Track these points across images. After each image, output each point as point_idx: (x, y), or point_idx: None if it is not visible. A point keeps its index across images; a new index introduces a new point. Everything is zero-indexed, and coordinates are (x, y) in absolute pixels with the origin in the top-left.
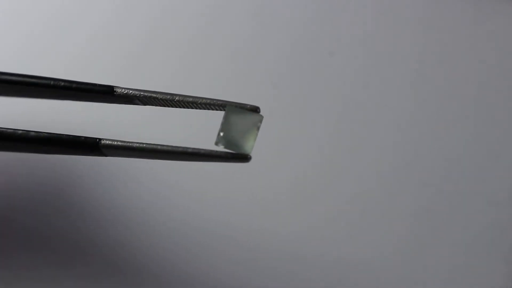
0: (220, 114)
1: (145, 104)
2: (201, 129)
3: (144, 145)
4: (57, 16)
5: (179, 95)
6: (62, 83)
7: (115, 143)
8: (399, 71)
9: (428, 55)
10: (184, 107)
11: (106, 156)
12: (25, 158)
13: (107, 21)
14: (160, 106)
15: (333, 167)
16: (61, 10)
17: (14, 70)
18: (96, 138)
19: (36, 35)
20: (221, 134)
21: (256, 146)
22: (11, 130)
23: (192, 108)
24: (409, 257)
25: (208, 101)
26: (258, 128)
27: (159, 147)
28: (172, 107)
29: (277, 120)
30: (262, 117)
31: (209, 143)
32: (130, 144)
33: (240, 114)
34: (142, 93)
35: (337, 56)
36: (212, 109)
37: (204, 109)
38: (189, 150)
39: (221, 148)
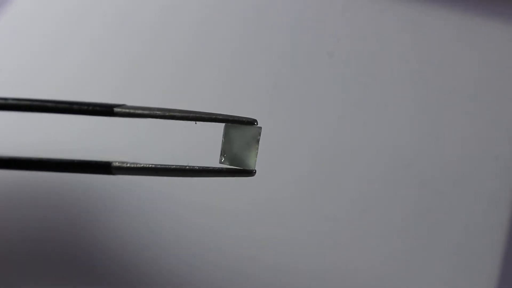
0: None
1: (146, 117)
2: (204, 140)
3: (152, 165)
4: (51, 35)
5: (179, 111)
6: (62, 105)
7: (125, 165)
8: (399, 72)
9: (428, 54)
10: (185, 120)
11: (116, 174)
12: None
13: (104, 32)
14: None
15: (332, 168)
16: (56, 29)
17: (11, 89)
18: (107, 162)
19: (31, 55)
20: (224, 152)
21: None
22: (26, 158)
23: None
24: (409, 257)
25: (208, 116)
26: (258, 141)
27: (167, 166)
28: (173, 120)
29: (276, 121)
30: (260, 128)
31: (213, 153)
32: (139, 165)
33: (238, 129)
34: (142, 111)
35: (336, 57)
36: (215, 121)
37: (206, 121)
38: (196, 168)
39: (226, 165)
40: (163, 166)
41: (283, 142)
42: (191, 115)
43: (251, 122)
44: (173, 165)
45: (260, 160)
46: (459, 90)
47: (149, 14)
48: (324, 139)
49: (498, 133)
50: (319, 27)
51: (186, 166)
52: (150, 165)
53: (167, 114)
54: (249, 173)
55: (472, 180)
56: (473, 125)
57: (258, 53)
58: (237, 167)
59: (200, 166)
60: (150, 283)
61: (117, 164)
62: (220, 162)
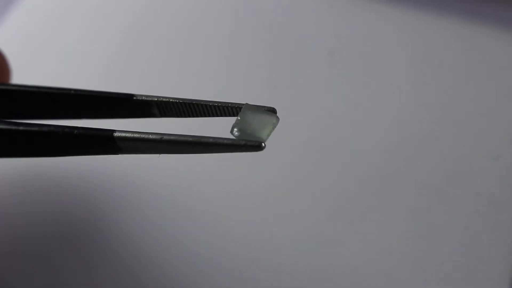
0: None
1: (162, 116)
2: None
3: (160, 136)
4: (35, 33)
5: (196, 100)
6: (85, 92)
7: (130, 135)
8: (399, 71)
9: (428, 55)
10: (200, 115)
11: (121, 151)
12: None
13: (98, 29)
14: (176, 116)
15: (332, 167)
16: (40, 27)
17: None
18: (111, 130)
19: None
20: (236, 126)
21: None
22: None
23: (209, 115)
24: (409, 257)
25: (225, 104)
26: (274, 127)
27: (173, 137)
28: (188, 116)
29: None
30: (278, 119)
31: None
32: (146, 135)
33: (257, 111)
34: (160, 98)
35: (337, 56)
36: (229, 114)
37: (221, 115)
38: (203, 140)
39: (235, 136)
40: (169, 138)
41: (283, 141)
42: (208, 103)
43: (271, 110)
44: (178, 135)
45: (261, 159)
46: (459, 91)
47: (149, 17)
48: (324, 139)
49: (498, 133)
50: (320, 27)
51: (192, 136)
52: (155, 136)
53: (191, 102)
54: (258, 146)
55: (472, 180)
56: (473, 125)
57: (258, 52)
58: (246, 139)
59: (205, 137)
60: (153, 277)
61: (121, 134)
62: (231, 130)
